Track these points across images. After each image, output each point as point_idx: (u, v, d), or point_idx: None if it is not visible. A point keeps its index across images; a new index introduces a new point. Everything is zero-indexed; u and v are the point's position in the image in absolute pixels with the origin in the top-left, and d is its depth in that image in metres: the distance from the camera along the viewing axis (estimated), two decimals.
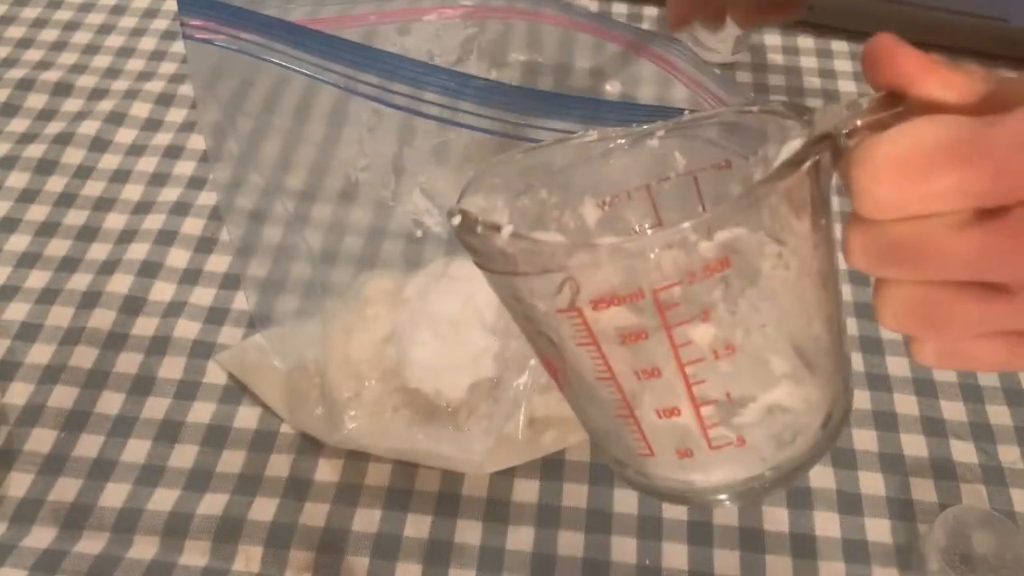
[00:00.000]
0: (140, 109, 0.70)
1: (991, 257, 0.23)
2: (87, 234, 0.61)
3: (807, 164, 0.24)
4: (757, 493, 0.29)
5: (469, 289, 0.50)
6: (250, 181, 0.50)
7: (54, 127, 0.68)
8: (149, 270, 0.59)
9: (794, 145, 0.25)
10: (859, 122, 0.25)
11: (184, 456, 0.51)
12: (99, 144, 0.67)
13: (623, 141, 0.29)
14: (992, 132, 0.22)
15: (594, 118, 0.35)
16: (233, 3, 0.39)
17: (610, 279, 0.25)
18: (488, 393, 0.49)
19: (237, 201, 0.50)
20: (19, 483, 0.49)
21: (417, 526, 0.48)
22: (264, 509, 0.49)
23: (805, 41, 0.78)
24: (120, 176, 0.65)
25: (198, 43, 0.39)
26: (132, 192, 0.64)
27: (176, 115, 0.70)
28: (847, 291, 0.59)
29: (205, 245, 0.61)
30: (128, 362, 0.55)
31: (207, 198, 0.64)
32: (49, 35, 0.76)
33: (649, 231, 0.30)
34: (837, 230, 0.26)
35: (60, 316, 0.57)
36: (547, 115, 0.36)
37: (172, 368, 0.54)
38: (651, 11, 0.81)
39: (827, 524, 0.49)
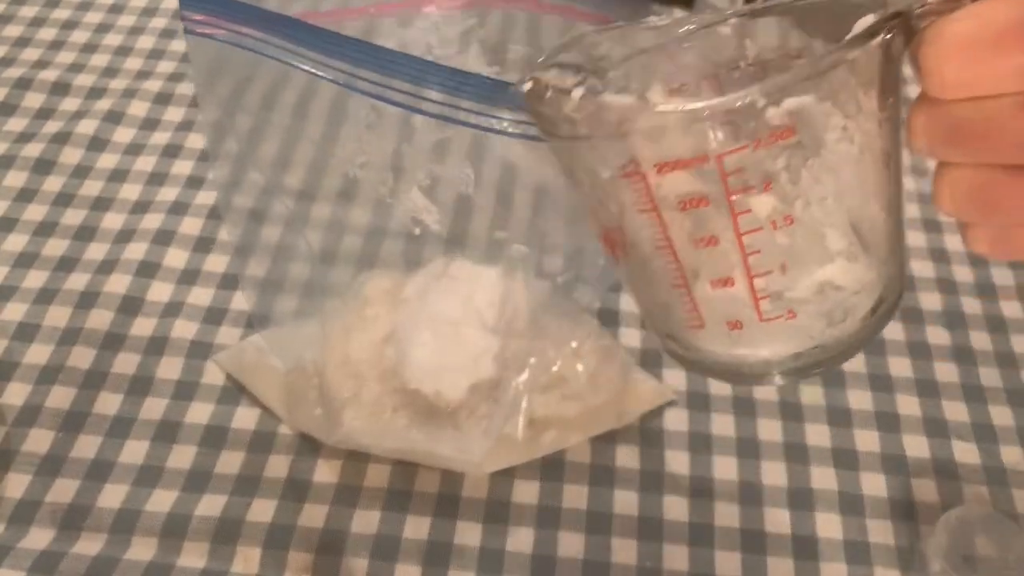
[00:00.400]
0: (138, 108, 0.69)
1: None
2: (85, 234, 0.61)
3: (878, 39, 0.24)
4: (801, 371, 0.29)
5: (469, 289, 0.50)
6: (249, 179, 0.49)
7: (52, 126, 0.68)
8: (147, 270, 0.59)
9: (867, 20, 0.25)
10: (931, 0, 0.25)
11: (182, 457, 0.51)
12: (97, 143, 0.67)
13: (694, 27, 0.29)
14: None
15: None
16: None
17: (676, 143, 0.25)
18: (488, 393, 0.49)
19: (236, 200, 0.50)
20: (16, 484, 0.49)
21: (416, 527, 0.48)
22: (263, 510, 0.49)
23: None
24: (118, 175, 0.65)
25: (199, 38, 0.39)
26: (130, 192, 0.64)
27: (174, 114, 0.69)
28: None
29: (203, 245, 0.61)
30: (126, 362, 0.54)
31: (205, 198, 0.63)
32: (47, 34, 0.76)
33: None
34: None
35: (58, 316, 0.56)
36: None
37: (170, 368, 0.54)
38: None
39: (829, 525, 0.49)
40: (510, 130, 0.34)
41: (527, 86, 0.27)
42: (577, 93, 0.26)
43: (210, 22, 0.39)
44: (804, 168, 0.26)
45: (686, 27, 0.29)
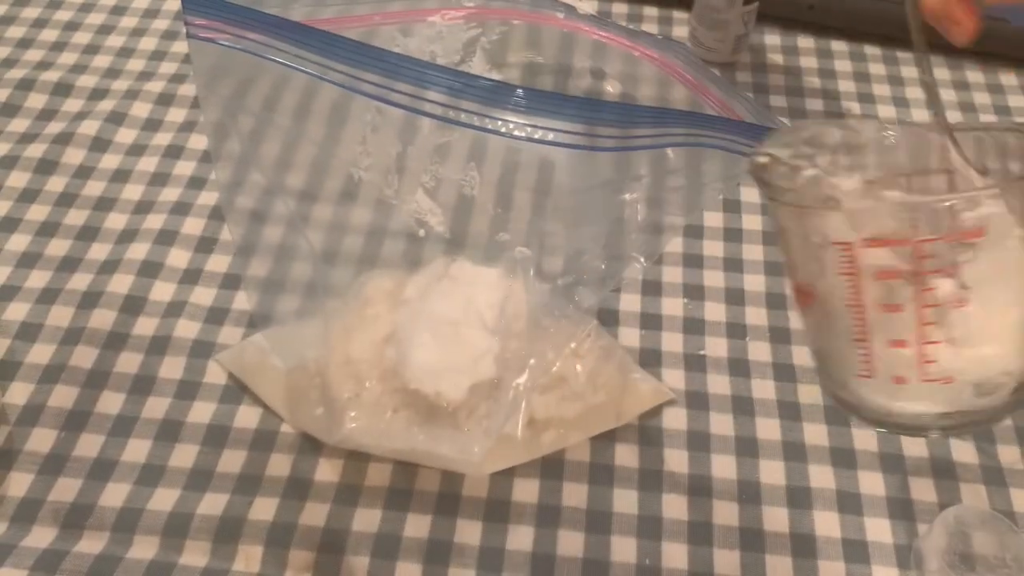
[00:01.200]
0: (140, 109, 0.70)
1: None
2: (87, 234, 0.61)
3: None
4: (946, 429, 0.34)
5: (470, 290, 0.50)
6: (252, 180, 0.50)
7: (54, 127, 0.68)
8: (149, 270, 0.59)
9: None
10: None
11: (184, 456, 0.51)
12: (99, 144, 0.67)
13: (895, 132, 0.36)
14: None
15: (594, 118, 0.36)
16: (236, 2, 0.39)
17: (884, 225, 0.31)
18: (488, 394, 0.49)
19: (238, 200, 0.50)
20: (19, 483, 0.49)
21: (417, 526, 0.48)
22: (264, 509, 0.49)
23: (805, 41, 0.78)
24: (120, 176, 0.65)
25: (201, 42, 0.40)
26: (132, 192, 0.64)
27: (176, 115, 0.70)
28: None
29: (205, 245, 0.61)
30: (128, 362, 0.55)
31: (207, 198, 0.64)
32: (49, 35, 0.76)
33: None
34: None
35: (60, 316, 0.57)
36: (549, 115, 0.36)
37: (172, 368, 0.55)
38: (651, 11, 0.81)
39: (827, 524, 0.49)
40: (516, 133, 0.35)
41: (762, 159, 0.34)
42: (809, 172, 0.33)
43: (212, 27, 0.39)
44: (984, 264, 0.31)
45: (889, 131, 0.35)
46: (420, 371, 0.49)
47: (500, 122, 0.36)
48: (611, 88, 0.49)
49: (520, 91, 0.36)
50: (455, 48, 0.47)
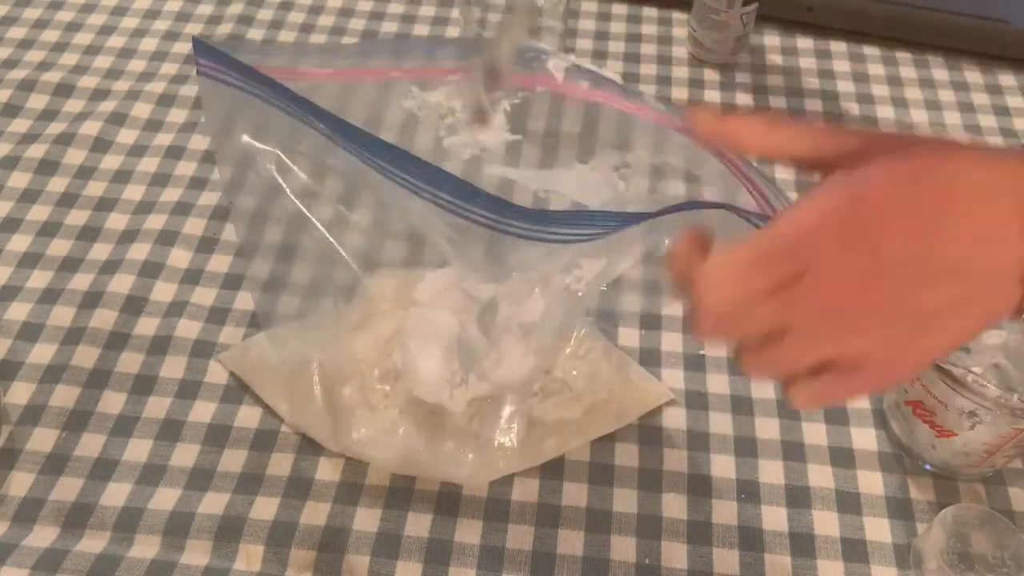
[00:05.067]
0: (141, 110, 0.70)
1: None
2: (89, 234, 0.62)
3: None
4: None
5: (478, 305, 0.50)
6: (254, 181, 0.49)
7: (55, 128, 0.68)
8: (151, 270, 0.59)
9: None
10: None
11: (185, 455, 0.51)
12: (101, 144, 0.67)
13: None
14: (776, 232, 0.31)
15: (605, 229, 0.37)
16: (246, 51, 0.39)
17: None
18: (488, 403, 0.49)
19: (241, 200, 0.50)
20: (21, 482, 0.50)
21: (417, 525, 0.49)
22: (265, 508, 0.49)
23: (804, 42, 0.79)
24: (121, 176, 0.65)
25: (211, 81, 0.40)
26: (134, 192, 0.64)
27: (177, 116, 0.70)
28: None
29: (206, 245, 0.61)
30: (130, 362, 0.55)
31: (208, 198, 0.64)
32: (50, 36, 0.76)
33: None
34: None
35: (62, 316, 0.57)
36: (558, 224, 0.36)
37: (173, 368, 0.55)
38: (651, 12, 0.81)
39: (826, 523, 0.49)
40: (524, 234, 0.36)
41: None
42: (993, 391, 0.48)
43: (220, 71, 0.39)
44: None
45: None
46: (424, 383, 0.49)
47: (509, 225, 0.36)
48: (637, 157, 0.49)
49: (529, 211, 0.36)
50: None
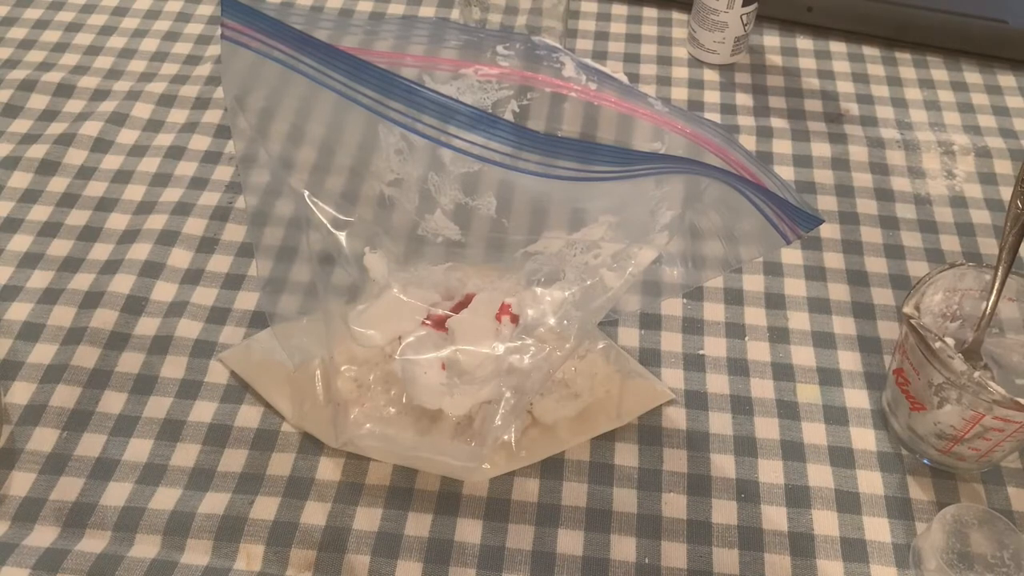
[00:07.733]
0: (142, 110, 0.70)
1: None
2: (89, 234, 0.62)
3: None
4: None
5: (483, 314, 0.50)
6: (265, 157, 0.49)
7: (56, 128, 0.68)
8: (151, 270, 0.59)
9: None
10: None
11: (186, 455, 0.51)
12: (101, 145, 0.67)
13: None
14: None
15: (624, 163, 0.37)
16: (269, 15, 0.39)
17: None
18: (489, 405, 0.49)
19: (252, 176, 0.50)
20: (21, 482, 0.50)
21: (418, 525, 0.49)
22: (266, 508, 0.49)
23: (804, 42, 0.79)
24: (122, 176, 0.65)
25: (234, 45, 0.40)
26: (134, 192, 0.64)
27: (178, 116, 0.70)
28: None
29: (207, 245, 0.61)
30: (130, 361, 0.55)
31: (209, 198, 0.64)
32: (51, 36, 0.76)
33: None
34: None
35: (62, 316, 0.57)
36: (574, 159, 0.37)
37: (174, 367, 0.55)
38: (651, 12, 0.81)
39: (825, 523, 0.49)
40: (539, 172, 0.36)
41: (910, 317, 0.48)
42: (958, 364, 0.46)
43: (246, 32, 0.40)
44: None
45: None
46: (426, 393, 0.49)
47: (522, 161, 0.37)
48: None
49: (540, 136, 0.37)
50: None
